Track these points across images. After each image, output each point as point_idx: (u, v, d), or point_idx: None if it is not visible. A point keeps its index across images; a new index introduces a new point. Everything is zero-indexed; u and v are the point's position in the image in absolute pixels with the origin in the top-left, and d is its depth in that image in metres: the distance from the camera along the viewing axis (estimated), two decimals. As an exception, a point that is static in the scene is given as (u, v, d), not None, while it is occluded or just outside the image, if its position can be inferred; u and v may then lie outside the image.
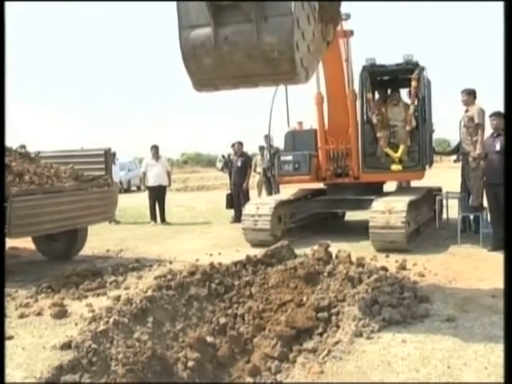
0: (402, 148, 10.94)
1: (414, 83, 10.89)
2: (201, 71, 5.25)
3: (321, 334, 5.52)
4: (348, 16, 10.62)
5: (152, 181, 15.80)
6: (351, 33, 11.08)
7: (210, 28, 4.98)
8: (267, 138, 14.57)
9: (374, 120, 11.26)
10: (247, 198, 14.51)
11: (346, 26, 10.78)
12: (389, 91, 12.26)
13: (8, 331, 6.01)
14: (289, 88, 12.10)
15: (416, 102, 11.03)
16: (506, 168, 5.60)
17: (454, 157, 11.92)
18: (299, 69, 5.00)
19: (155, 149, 16.00)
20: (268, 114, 12.21)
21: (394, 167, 10.93)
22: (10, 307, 6.99)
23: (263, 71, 5.07)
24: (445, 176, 13.50)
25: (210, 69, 5.16)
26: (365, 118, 11.61)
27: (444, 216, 12.03)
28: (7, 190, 8.09)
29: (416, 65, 11.02)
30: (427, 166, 11.74)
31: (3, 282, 7.43)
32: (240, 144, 15.86)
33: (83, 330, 5.30)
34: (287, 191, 13.25)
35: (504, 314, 4.17)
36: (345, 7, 10.22)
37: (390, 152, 10.98)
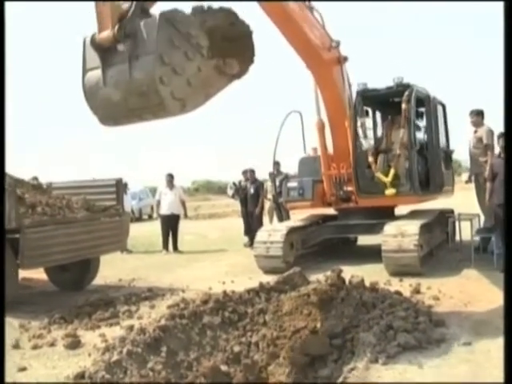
0: (391, 172, 10.78)
1: (403, 105, 10.76)
2: (98, 108, 5.85)
3: (336, 361, 5.46)
4: (338, 43, 10.74)
5: (165, 209, 15.85)
6: (345, 59, 11.14)
7: (100, 70, 5.69)
8: (276, 164, 14.66)
9: (365, 145, 11.21)
10: (260, 224, 14.57)
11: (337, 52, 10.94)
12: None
13: (21, 363, 6.04)
14: (304, 114, 12.28)
15: (407, 125, 10.84)
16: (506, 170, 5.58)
17: (466, 177, 11.91)
18: (168, 101, 5.57)
19: (169, 177, 16.08)
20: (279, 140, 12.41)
21: (388, 192, 10.83)
22: (23, 338, 7.01)
23: (141, 105, 5.63)
24: (457, 197, 13.43)
25: (104, 105, 5.76)
26: (364, 142, 11.61)
27: (457, 238, 11.96)
28: (20, 222, 8.15)
29: (407, 86, 10.98)
30: (437, 190, 11.68)
31: (3, 286, 7.46)
32: (252, 171, 16.01)
33: (96, 360, 5.29)
34: (298, 217, 13.24)
35: (504, 318, 4.13)
36: (336, 34, 10.59)
37: (381, 176, 10.90)
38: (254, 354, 5.84)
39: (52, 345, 6.65)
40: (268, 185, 16.66)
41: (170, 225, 15.75)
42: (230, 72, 6.35)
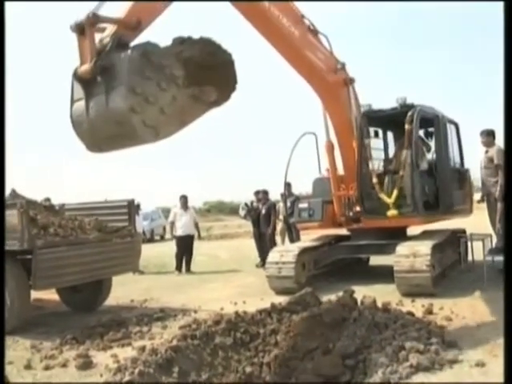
0: (395, 193, 10.72)
1: (406, 126, 10.68)
2: (84, 136, 6.27)
3: (348, 382, 5.44)
4: (343, 65, 10.98)
5: (180, 231, 16.00)
6: (351, 80, 11.24)
7: (83, 101, 6.15)
8: (287, 185, 14.70)
9: (370, 166, 11.18)
10: (273, 244, 14.58)
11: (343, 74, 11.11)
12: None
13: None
14: (319, 135, 12.32)
15: (409, 146, 10.72)
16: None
17: (478, 197, 11.86)
18: (140, 129, 6.00)
19: (184, 199, 16.24)
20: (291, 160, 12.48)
21: (389, 213, 10.79)
22: (35, 359, 7.03)
23: (118, 133, 6.06)
24: (469, 217, 13.34)
25: (88, 134, 6.21)
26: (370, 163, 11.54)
27: (469, 258, 11.88)
28: (32, 243, 8.20)
29: (411, 106, 10.95)
30: (448, 211, 11.54)
31: (3, 288, 7.69)
32: (265, 192, 16.09)
33: (108, 381, 5.29)
34: (310, 238, 13.24)
35: (504, 317, 4.09)
36: (341, 56, 10.85)
37: (385, 197, 10.86)
38: (265, 374, 5.81)
39: (64, 365, 6.67)
40: (280, 206, 16.69)
41: (186, 246, 15.87)
42: (208, 100, 6.71)
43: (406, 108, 10.96)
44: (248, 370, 5.82)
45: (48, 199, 11.33)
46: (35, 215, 9.15)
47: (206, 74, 6.51)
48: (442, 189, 11.39)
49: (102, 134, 6.18)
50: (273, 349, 6.24)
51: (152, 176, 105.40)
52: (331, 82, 10.79)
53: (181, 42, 6.37)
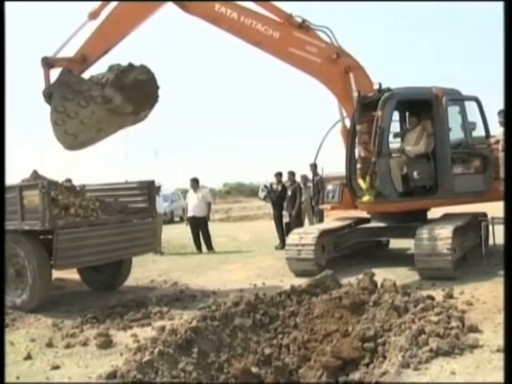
0: (367, 179, 10.48)
1: (378, 112, 10.39)
2: (58, 140, 9.08)
3: (367, 365, 5.43)
4: (337, 54, 11.00)
5: (190, 212, 16.57)
6: (349, 67, 11.08)
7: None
8: (313, 166, 14.65)
9: (359, 152, 10.96)
10: (298, 225, 14.53)
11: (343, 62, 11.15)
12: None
13: (54, 361, 6.14)
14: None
15: (378, 131, 10.36)
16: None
17: None
18: (63, 136, 8.90)
19: (192, 182, 16.76)
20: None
21: (365, 198, 10.74)
22: (57, 337, 7.13)
23: (58, 139, 8.98)
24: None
25: (57, 139, 9.03)
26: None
27: (490, 242, 11.75)
28: (54, 223, 8.26)
29: (386, 91, 10.76)
30: (450, 195, 11.20)
31: (3, 283, 7.94)
32: (292, 174, 16.09)
33: (128, 360, 5.32)
34: (330, 220, 13.21)
35: (504, 315, 4.03)
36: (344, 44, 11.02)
37: (361, 183, 10.67)
38: (284, 356, 5.84)
39: (84, 344, 6.74)
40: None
41: (197, 226, 16.27)
42: (124, 112, 8.92)
43: (383, 93, 10.75)
44: (267, 351, 5.84)
45: (69, 180, 11.37)
46: (56, 196, 9.21)
47: (124, 92, 8.68)
48: (440, 173, 11.04)
49: (58, 139, 8.91)
50: (292, 331, 6.27)
51: (173, 158, 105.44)
52: (329, 73, 11.02)
53: (109, 68, 8.85)
